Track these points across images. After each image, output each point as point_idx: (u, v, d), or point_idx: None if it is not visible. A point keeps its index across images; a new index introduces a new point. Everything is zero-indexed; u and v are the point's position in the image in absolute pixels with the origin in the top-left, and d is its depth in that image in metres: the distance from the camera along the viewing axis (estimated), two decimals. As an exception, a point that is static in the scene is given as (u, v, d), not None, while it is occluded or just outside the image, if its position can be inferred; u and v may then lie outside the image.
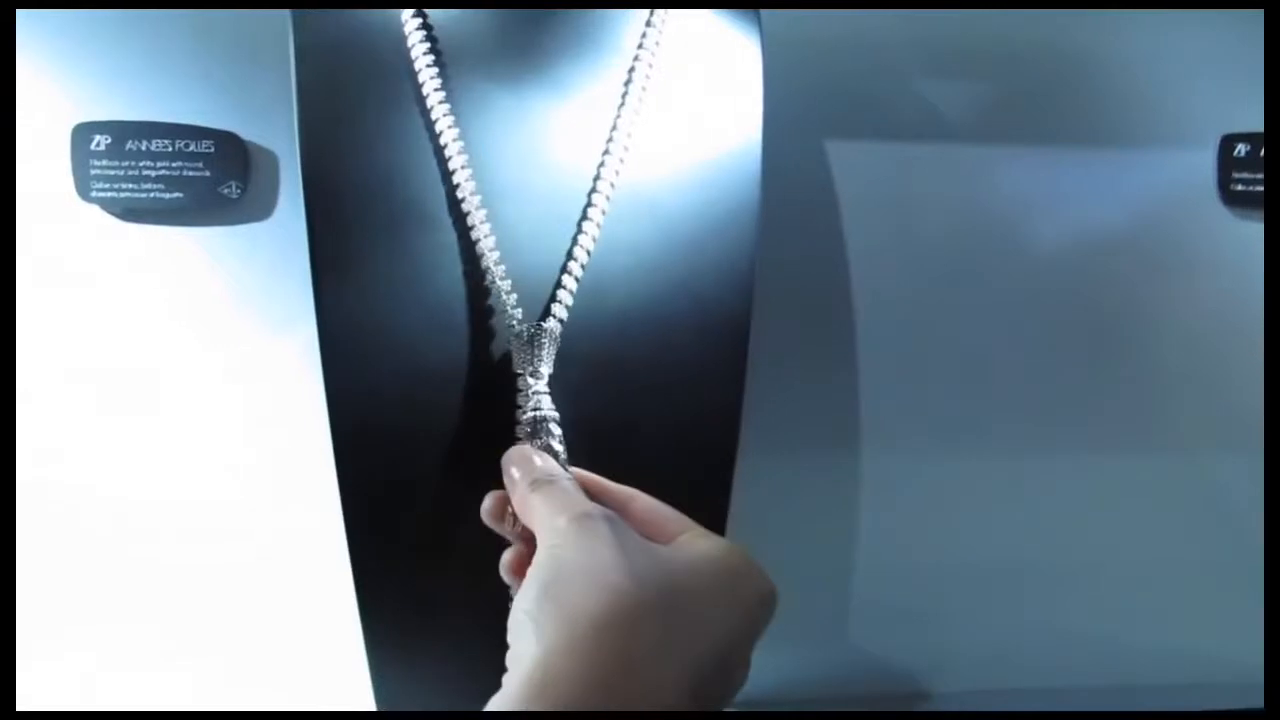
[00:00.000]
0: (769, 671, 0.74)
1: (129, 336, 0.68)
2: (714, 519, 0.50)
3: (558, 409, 0.45)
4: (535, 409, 0.44)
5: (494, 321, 0.47)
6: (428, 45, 0.49)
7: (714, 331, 0.50)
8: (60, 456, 0.68)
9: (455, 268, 0.47)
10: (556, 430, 0.44)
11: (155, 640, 0.70)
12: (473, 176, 0.47)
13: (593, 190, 0.48)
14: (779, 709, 0.74)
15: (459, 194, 0.47)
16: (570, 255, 0.48)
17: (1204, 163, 0.76)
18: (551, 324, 0.46)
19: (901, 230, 0.74)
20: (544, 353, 0.45)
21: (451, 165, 0.47)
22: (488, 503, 0.43)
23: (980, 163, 0.74)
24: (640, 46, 0.51)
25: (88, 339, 0.67)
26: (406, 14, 0.49)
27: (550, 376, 0.46)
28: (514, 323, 0.45)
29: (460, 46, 0.50)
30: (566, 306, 0.47)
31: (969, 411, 0.75)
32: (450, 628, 0.49)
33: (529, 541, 0.41)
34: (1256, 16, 0.71)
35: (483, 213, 0.46)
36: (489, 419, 0.47)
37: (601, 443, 0.47)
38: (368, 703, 0.51)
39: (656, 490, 0.46)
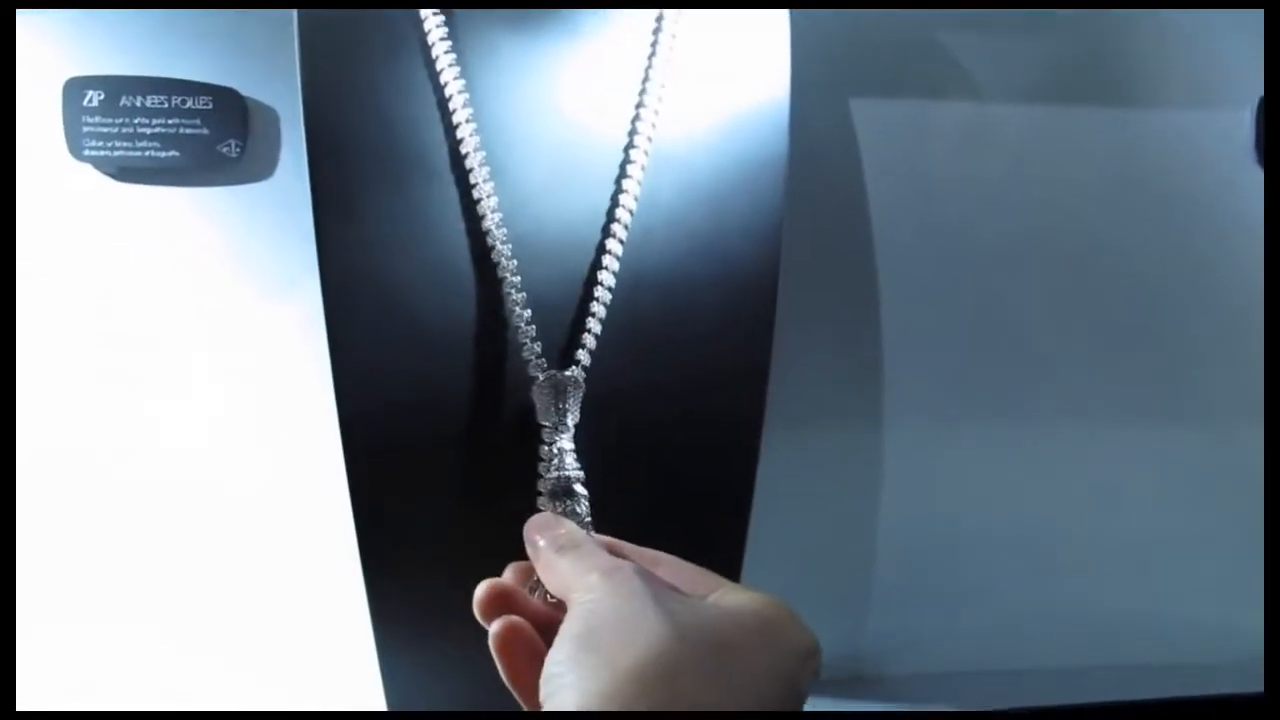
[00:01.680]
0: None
1: (123, 301, 0.65)
2: (740, 489, 0.48)
3: (579, 369, 0.44)
4: (559, 469, 0.42)
5: (505, 288, 0.44)
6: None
7: (741, 290, 0.47)
8: (51, 427, 0.65)
9: (467, 224, 0.44)
10: (582, 491, 0.42)
11: (155, 632, 0.68)
12: (476, 131, 0.44)
13: (629, 145, 0.46)
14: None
15: (463, 149, 0.44)
16: (612, 216, 0.45)
17: (1241, 123, 0.73)
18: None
19: (927, 193, 0.71)
20: (569, 404, 0.43)
21: (456, 118, 0.44)
22: (509, 574, 0.41)
23: (1009, 123, 0.72)
24: None
25: (80, 304, 0.65)
26: None
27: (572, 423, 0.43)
28: (516, 302, 0.43)
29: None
30: (613, 273, 0.44)
31: (994, 377, 0.73)
32: (461, 620, 0.47)
33: (544, 616, 0.39)
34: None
35: (486, 170, 0.44)
36: (497, 387, 0.44)
37: (624, 403, 0.45)
38: (378, 700, 0.49)
39: (679, 457, 0.45)
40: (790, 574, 0.71)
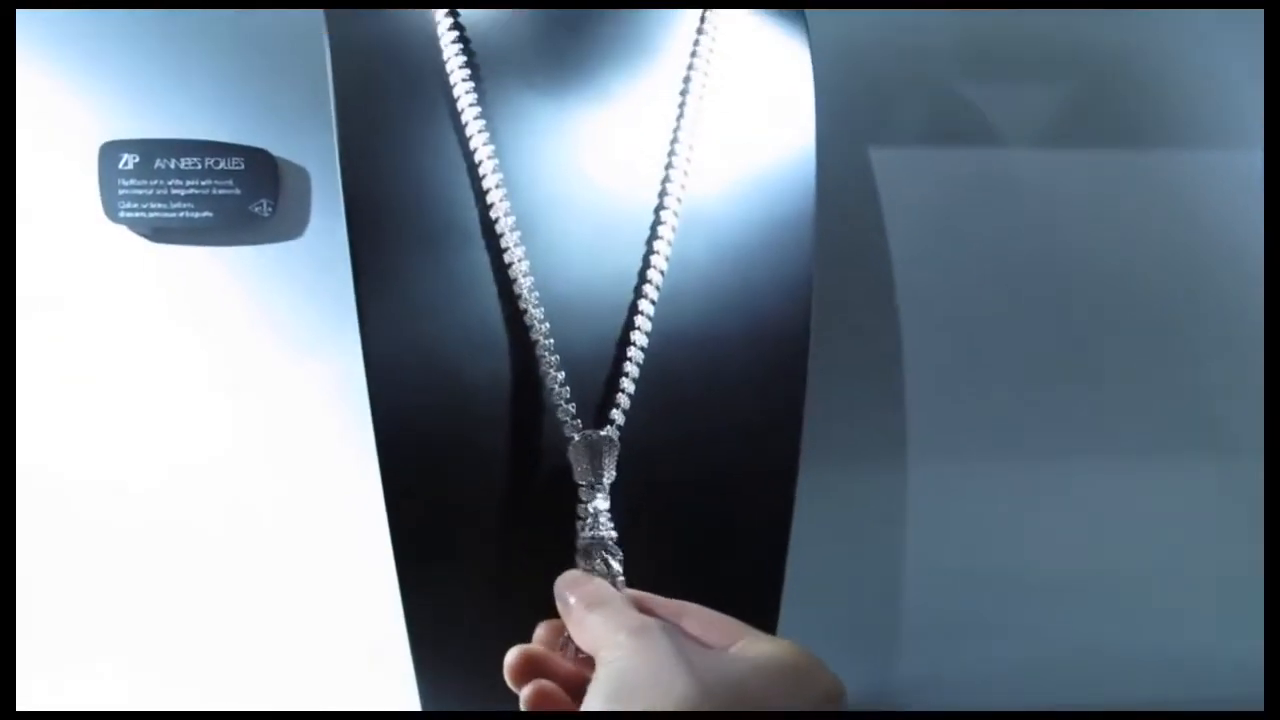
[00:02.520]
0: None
1: (158, 359, 0.66)
2: (775, 540, 0.48)
3: (613, 429, 0.44)
4: (594, 529, 0.43)
5: (539, 350, 0.44)
6: (464, 59, 0.47)
7: (773, 345, 0.47)
8: (90, 482, 0.66)
9: (502, 287, 0.45)
10: (615, 550, 0.43)
11: (202, 670, 0.69)
12: (506, 196, 0.45)
13: (660, 207, 0.46)
14: None
15: (495, 213, 0.45)
16: (644, 277, 0.46)
17: (1254, 163, 0.74)
18: (631, 364, 0.45)
19: (948, 239, 0.72)
20: (604, 462, 0.44)
21: (487, 184, 0.45)
22: (541, 631, 0.42)
23: (1028, 167, 0.72)
24: (694, 55, 0.49)
25: (116, 362, 0.66)
26: (440, 15, 0.47)
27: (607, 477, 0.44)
28: (550, 364, 0.44)
29: (497, 52, 0.48)
30: (646, 333, 0.45)
31: (1016, 418, 0.74)
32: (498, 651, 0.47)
33: (575, 677, 0.40)
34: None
35: (517, 234, 0.44)
36: (535, 447, 0.45)
37: (661, 460, 0.46)
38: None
39: (713, 510, 0.46)
40: (818, 613, 0.71)
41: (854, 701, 0.74)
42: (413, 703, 0.49)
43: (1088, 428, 0.74)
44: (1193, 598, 0.76)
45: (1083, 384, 0.74)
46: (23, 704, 0.65)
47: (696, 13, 0.50)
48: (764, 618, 0.48)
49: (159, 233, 0.65)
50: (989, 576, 0.74)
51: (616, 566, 0.43)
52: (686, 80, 0.48)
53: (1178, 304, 0.74)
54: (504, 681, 0.40)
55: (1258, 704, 0.68)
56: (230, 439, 0.67)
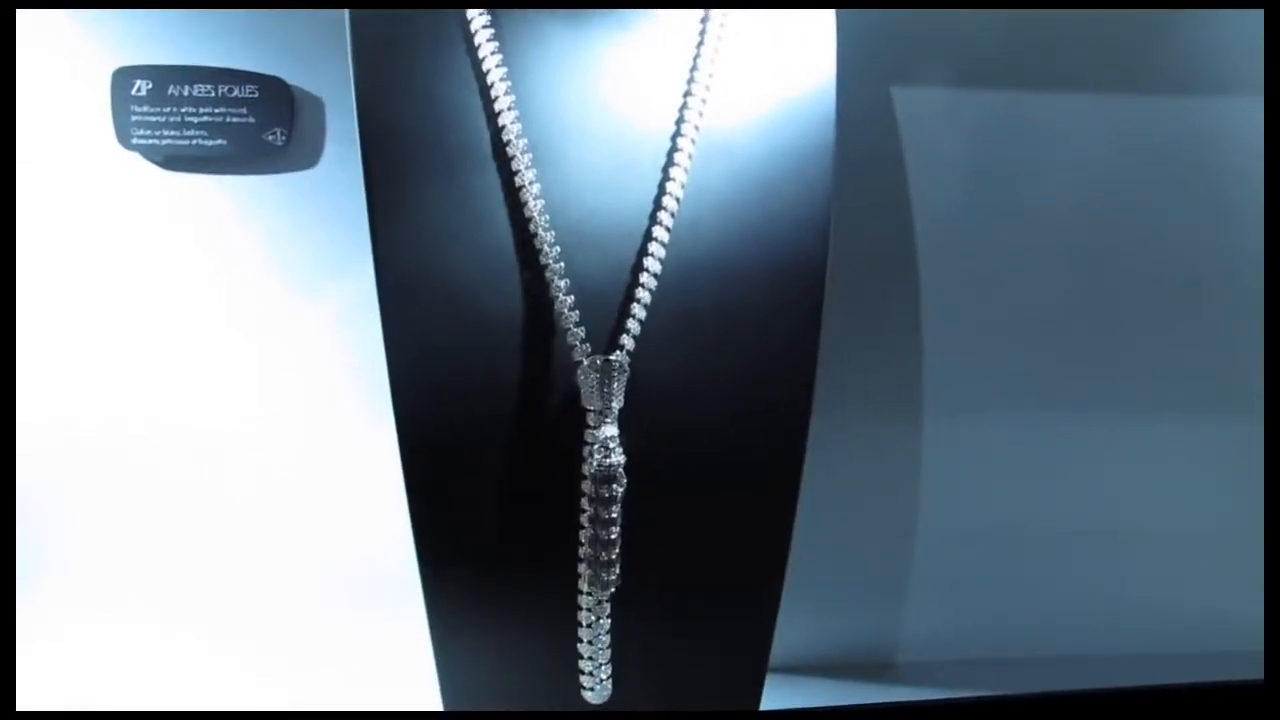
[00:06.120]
0: (830, 633, 0.74)
1: (170, 289, 0.66)
2: (785, 471, 0.48)
3: (623, 354, 0.44)
4: (601, 456, 0.43)
5: (549, 275, 0.44)
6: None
7: (790, 278, 0.47)
8: (96, 413, 0.67)
9: (517, 213, 0.45)
10: (618, 486, 0.44)
11: (213, 632, 0.69)
12: (519, 119, 0.45)
13: (676, 134, 0.46)
14: (841, 673, 0.73)
15: (512, 139, 0.45)
16: (659, 204, 0.45)
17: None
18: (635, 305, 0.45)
19: (968, 182, 0.71)
20: (614, 388, 0.44)
21: (499, 107, 0.45)
22: None
23: (1051, 111, 0.71)
24: None
25: (127, 291, 0.66)
26: None
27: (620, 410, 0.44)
28: (559, 289, 0.44)
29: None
30: (659, 259, 0.45)
31: (1033, 368, 0.73)
32: (515, 610, 0.48)
33: None
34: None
35: (528, 157, 0.44)
36: (546, 372, 0.45)
37: (671, 389, 0.46)
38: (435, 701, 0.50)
39: (723, 443, 0.46)
40: (828, 562, 0.72)
41: (862, 653, 0.75)
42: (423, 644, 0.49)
43: (1104, 382, 0.74)
44: (1205, 554, 0.76)
45: (1103, 339, 0.73)
46: (28, 704, 0.64)
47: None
48: (773, 550, 0.48)
49: (172, 160, 0.65)
50: (1000, 529, 0.75)
51: (617, 510, 0.43)
52: (707, 10, 0.48)
53: (1204, 259, 0.74)
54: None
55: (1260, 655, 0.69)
56: (242, 367, 0.67)
